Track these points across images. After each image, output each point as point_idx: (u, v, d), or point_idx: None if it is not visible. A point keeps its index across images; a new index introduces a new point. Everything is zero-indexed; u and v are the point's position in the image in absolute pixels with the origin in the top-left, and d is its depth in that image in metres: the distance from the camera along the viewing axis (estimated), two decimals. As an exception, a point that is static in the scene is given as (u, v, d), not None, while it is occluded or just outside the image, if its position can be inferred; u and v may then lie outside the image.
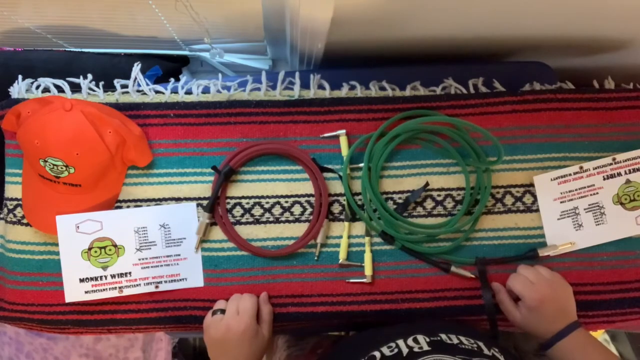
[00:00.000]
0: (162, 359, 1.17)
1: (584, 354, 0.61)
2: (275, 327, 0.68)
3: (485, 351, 0.49)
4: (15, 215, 0.71)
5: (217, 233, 0.71)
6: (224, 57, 0.86)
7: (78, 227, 0.67)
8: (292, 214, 0.71)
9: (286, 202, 0.71)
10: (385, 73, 0.75)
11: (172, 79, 0.76)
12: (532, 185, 0.72)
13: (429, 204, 0.72)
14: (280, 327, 0.71)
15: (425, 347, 0.50)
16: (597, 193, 0.71)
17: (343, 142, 0.71)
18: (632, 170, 0.71)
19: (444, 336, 0.53)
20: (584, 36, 0.74)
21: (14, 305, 0.70)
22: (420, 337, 0.53)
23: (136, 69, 0.71)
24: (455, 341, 0.52)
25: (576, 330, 0.62)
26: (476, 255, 0.70)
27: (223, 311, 0.64)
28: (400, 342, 0.52)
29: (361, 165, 0.70)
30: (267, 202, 0.71)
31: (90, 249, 0.68)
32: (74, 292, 0.68)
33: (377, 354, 0.51)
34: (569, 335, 0.61)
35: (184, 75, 0.90)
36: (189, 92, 0.72)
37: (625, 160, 0.71)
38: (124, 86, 0.72)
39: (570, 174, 0.71)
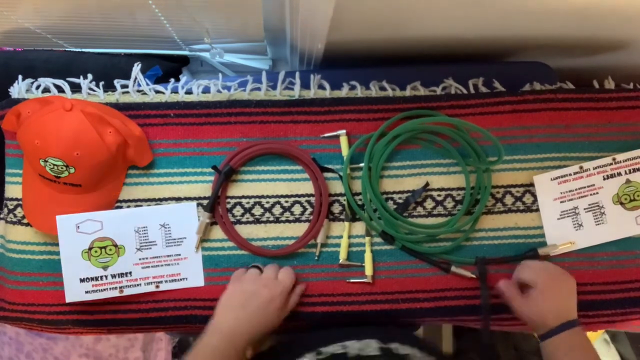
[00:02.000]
0: (162, 359, 1.17)
1: (570, 356, 0.60)
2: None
3: None
4: (15, 215, 0.71)
5: (218, 233, 0.71)
6: (224, 57, 0.86)
7: (78, 227, 0.67)
8: (292, 213, 0.71)
9: (286, 202, 0.71)
10: (385, 73, 0.75)
11: (172, 79, 0.76)
12: (532, 185, 0.72)
13: (429, 204, 0.72)
14: (280, 327, 0.71)
15: (374, 353, 0.51)
16: (597, 193, 0.71)
17: (343, 142, 0.71)
18: (632, 170, 0.71)
19: (397, 346, 0.54)
20: (584, 36, 0.74)
21: (14, 305, 0.70)
22: (372, 342, 0.54)
23: (136, 69, 0.71)
24: (409, 352, 0.52)
25: (571, 330, 0.61)
26: (476, 255, 0.70)
27: (258, 270, 0.66)
28: (351, 343, 0.54)
29: (361, 165, 0.70)
30: (267, 202, 0.71)
31: (90, 249, 0.68)
32: (75, 292, 0.68)
33: (325, 350, 0.53)
34: (563, 333, 0.61)
35: (184, 75, 0.90)
36: (189, 92, 0.72)
37: (625, 160, 0.71)
38: (124, 86, 0.72)
39: (570, 174, 0.71)
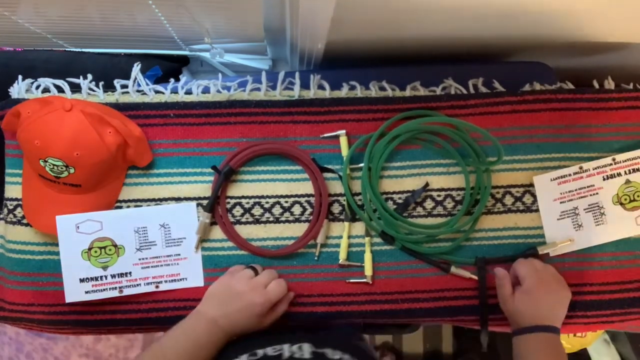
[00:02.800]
0: (162, 358, 1.17)
1: (536, 356, 0.60)
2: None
3: None
4: (15, 216, 0.71)
5: (217, 233, 0.71)
6: (224, 57, 0.86)
7: (78, 227, 0.67)
8: (292, 214, 0.71)
9: (286, 202, 0.71)
10: (385, 73, 0.75)
11: (172, 79, 0.76)
12: (532, 185, 0.72)
13: (429, 204, 0.72)
14: (277, 327, 0.71)
15: (306, 356, 0.53)
16: (597, 193, 0.71)
17: (343, 142, 0.71)
18: (632, 171, 0.71)
19: (329, 351, 0.55)
20: (584, 37, 0.74)
21: (14, 305, 0.70)
22: (306, 346, 0.56)
23: (136, 69, 0.71)
24: (339, 357, 0.54)
25: (546, 333, 0.61)
26: (476, 255, 0.70)
27: (256, 273, 0.66)
28: (286, 346, 0.56)
29: (361, 165, 0.70)
30: (267, 202, 0.71)
31: (90, 249, 0.68)
32: (74, 292, 0.68)
33: (260, 351, 0.55)
34: (536, 333, 0.61)
35: (184, 75, 0.90)
36: (189, 92, 0.72)
37: (625, 161, 0.71)
38: (124, 86, 0.72)
39: (570, 174, 0.71)
